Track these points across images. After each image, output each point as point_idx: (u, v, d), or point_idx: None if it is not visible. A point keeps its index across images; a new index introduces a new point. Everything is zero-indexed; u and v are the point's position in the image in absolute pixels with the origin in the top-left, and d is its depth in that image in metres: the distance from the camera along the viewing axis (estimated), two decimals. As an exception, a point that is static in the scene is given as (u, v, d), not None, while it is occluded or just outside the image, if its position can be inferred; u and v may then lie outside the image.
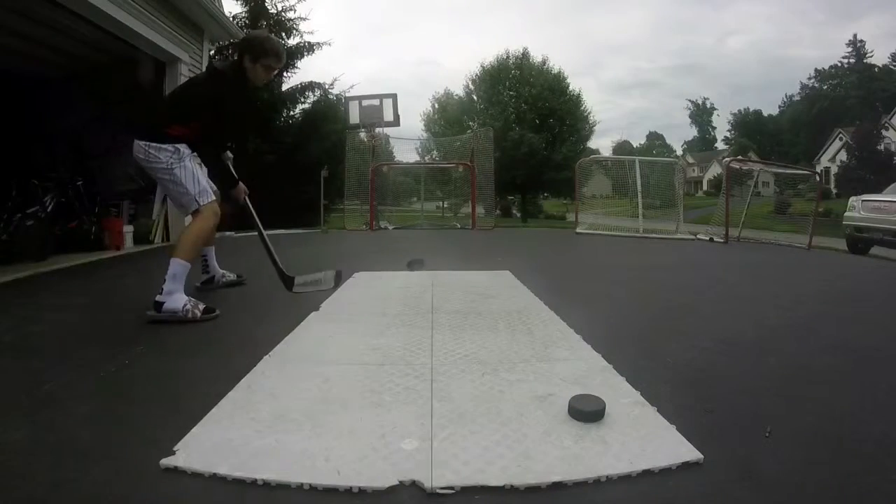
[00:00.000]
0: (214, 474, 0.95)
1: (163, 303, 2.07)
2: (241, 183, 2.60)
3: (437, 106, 27.77)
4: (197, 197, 2.30)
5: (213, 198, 2.37)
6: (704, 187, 44.35)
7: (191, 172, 2.29)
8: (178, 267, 2.14)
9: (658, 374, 1.54)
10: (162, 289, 2.09)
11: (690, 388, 1.43)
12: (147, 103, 2.28)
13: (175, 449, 1.03)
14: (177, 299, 2.09)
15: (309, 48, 12.41)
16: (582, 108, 25.29)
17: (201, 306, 2.14)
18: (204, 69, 5.51)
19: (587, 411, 1.17)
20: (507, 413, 1.21)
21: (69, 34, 4.61)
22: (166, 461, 0.99)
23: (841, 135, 33.22)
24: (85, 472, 0.97)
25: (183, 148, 2.27)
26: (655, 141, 76.23)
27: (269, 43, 2.39)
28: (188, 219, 2.47)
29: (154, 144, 2.24)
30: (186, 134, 2.30)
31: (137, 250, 4.81)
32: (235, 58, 2.44)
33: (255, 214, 2.65)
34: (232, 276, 2.94)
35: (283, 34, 12.14)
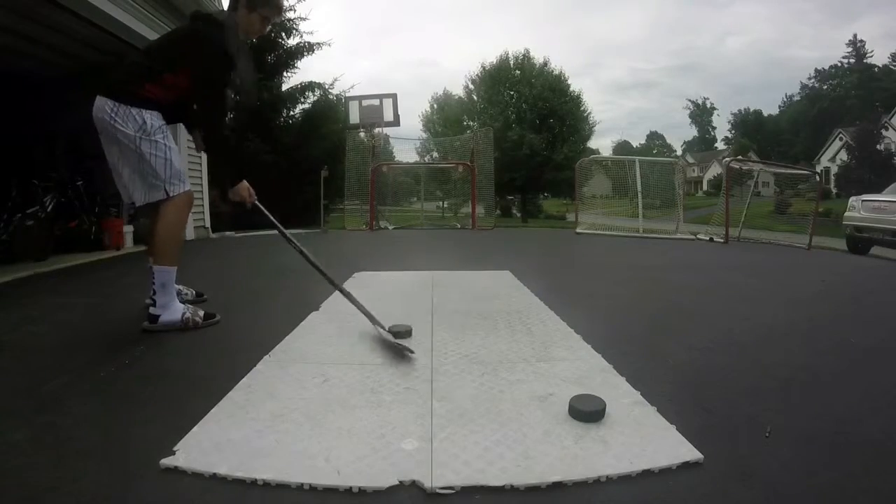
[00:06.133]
0: (214, 474, 0.95)
1: (158, 315, 1.94)
2: (246, 181, 2.08)
3: (435, 106, 27.80)
4: (167, 184, 1.94)
5: (188, 187, 2.04)
6: (704, 187, 44.35)
7: (163, 151, 1.93)
8: (163, 275, 1.95)
9: (658, 374, 1.54)
10: (154, 300, 1.94)
11: (690, 388, 1.43)
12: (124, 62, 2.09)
13: (175, 449, 1.03)
14: (174, 310, 1.96)
15: (309, 48, 12.38)
16: (582, 108, 25.31)
17: (201, 312, 2.03)
18: None
19: (587, 411, 1.17)
20: (507, 413, 1.21)
21: (69, 34, 4.60)
22: (166, 461, 0.99)
23: (841, 135, 33.24)
24: (85, 472, 0.97)
25: (152, 119, 1.91)
26: (655, 141, 76.30)
27: None
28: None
29: (123, 106, 1.86)
30: (159, 96, 1.93)
31: (137, 250, 4.80)
32: (228, 9, 2.09)
33: (285, 233, 2.14)
34: (189, 293, 2.44)
35: (283, 34, 12.13)
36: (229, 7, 2.08)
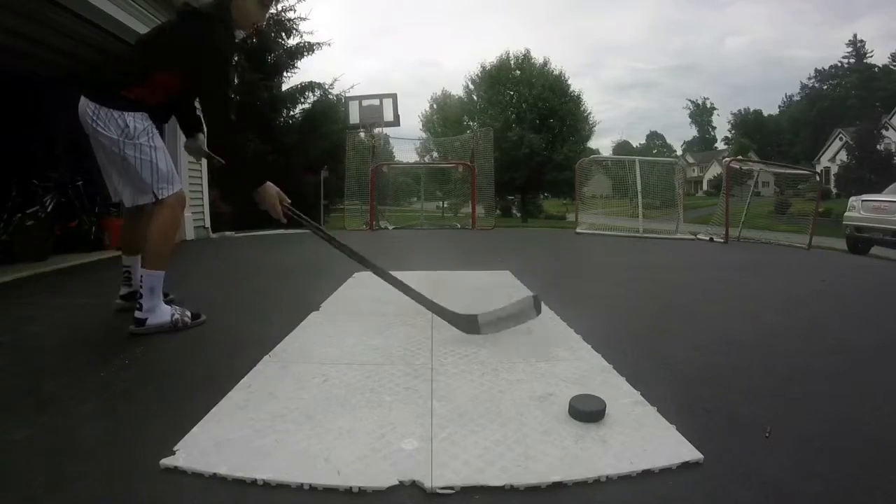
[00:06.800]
0: (214, 474, 0.95)
1: (145, 319, 1.88)
2: (270, 184, 1.92)
3: (435, 106, 27.84)
4: (154, 187, 1.89)
5: (178, 187, 1.97)
6: (704, 187, 44.37)
7: (147, 154, 1.86)
8: (152, 279, 1.89)
9: (658, 374, 1.54)
10: (140, 304, 1.88)
11: (690, 388, 1.43)
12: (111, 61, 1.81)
13: (175, 449, 1.03)
14: (161, 313, 1.91)
15: (309, 48, 12.40)
16: (582, 108, 25.34)
17: (188, 313, 2.00)
18: None
19: (587, 411, 1.17)
20: (507, 413, 1.21)
21: (69, 34, 4.60)
22: (166, 461, 0.99)
23: (841, 135, 33.23)
24: (85, 472, 0.97)
25: (135, 122, 1.84)
26: (655, 141, 76.28)
27: None
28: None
29: (104, 108, 1.80)
30: (144, 97, 1.85)
31: (137, 250, 4.81)
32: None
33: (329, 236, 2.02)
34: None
35: (283, 34, 12.14)
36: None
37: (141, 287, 1.90)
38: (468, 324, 1.78)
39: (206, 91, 1.89)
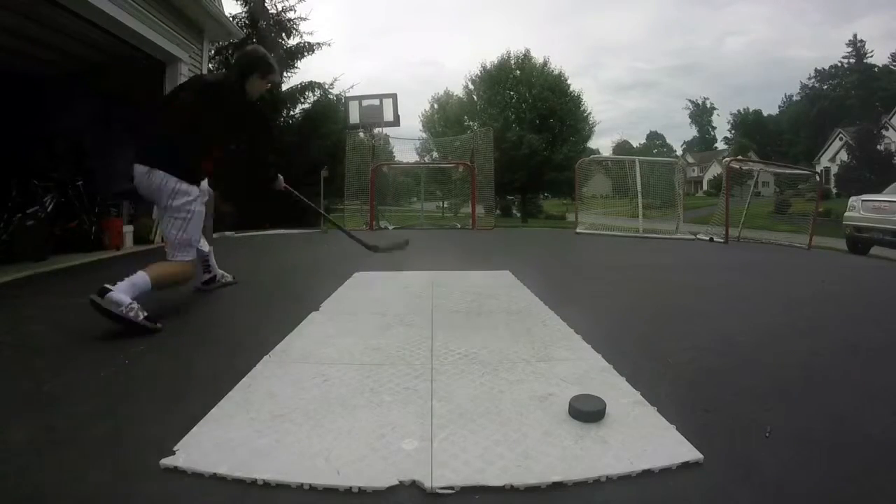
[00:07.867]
0: (214, 474, 0.96)
1: (110, 290, 1.89)
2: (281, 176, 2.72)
3: (435, 106, 27.84)
4: (190, 244, 2.25)
5: (191, 258, 2.29)
6: (704, 187, 44.35)
7: (198, 220, 2.27)
8: (142, 281, 1.99)
9: (658, 374, 1.54)
10: (117, 285, 1.92)
11: (690, 388, 1.43)
12: (174, 132, 2.23)
13: (175, 449, 1.03)
14: (124, 297, 1.91)
15: (309, 48, 12.42)
16: (582, 108, 25.30)
17: (144, 313, 1.94)
18: (203, 71, 5.54)
19: (587, 411, 1.17)
20: (507, 413, 1.21)
21: (69, 34, 4.60)
22: (166, 461, 0.99)
23: (841, 135, 33.21)
24: (85, 472, 0.98)
25: (197, 190, 2.27)
26: (655, 141, 76.23)
27: (270, 58, 2.46)
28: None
29: (185, 184, 2.17)
30: (208, 168, 2.38)
31: (137, 250, 4.81)
32: (235, 74, 2.39)
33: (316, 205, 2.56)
34: (230, 278, 2.97)
35: (283, 34, 12.15)
36: (239, 74, 2.36)
37: (135, 281, 1.98)
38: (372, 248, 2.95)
39: (252, 137, 2.49)
